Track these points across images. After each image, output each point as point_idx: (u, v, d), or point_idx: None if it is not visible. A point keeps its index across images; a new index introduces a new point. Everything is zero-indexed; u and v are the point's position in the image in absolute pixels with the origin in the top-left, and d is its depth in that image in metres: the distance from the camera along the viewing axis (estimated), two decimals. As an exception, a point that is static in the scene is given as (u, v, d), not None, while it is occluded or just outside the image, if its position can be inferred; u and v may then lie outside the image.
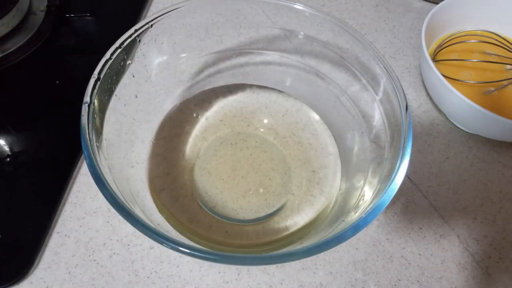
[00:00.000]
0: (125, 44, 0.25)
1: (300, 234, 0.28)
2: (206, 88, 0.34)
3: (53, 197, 0.29)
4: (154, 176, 0.29)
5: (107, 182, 0.20)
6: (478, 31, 0.39)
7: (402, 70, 0.40)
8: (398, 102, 0.25)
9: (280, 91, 0.34)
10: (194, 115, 0.33)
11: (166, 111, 0.32)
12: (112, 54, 0.25)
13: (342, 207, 0.27)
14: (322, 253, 0.28)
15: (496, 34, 0.38)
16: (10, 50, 0.34)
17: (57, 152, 0.32)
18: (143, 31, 0.26)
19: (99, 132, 0.23)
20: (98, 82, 0.23)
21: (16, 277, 0.26)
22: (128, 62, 0.27)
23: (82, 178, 0.31)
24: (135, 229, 0.19)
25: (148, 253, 0.28)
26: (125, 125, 0.27)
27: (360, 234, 0.29)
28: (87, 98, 0.22)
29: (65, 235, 0.28)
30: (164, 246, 0.19)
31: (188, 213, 0.28)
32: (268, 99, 0.34)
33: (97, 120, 0.23)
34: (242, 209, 0.29)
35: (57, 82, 0.37)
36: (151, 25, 0.27)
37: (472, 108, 0.30)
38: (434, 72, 0.32)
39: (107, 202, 0.19)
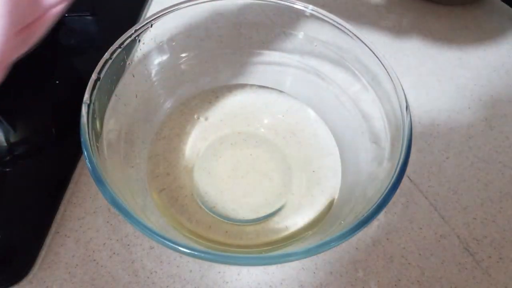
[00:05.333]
0: (125, 44, 0.25)
1: (300, 234, 0.28)
2: (206, 88, 0.34)
3: (53, 197, 0.29)
4: (154, 176, 0.29)
5: (107, 182, 0.20)
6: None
7: (402, 70, 0.40)
8: (398, 102, 0.25)
9: (280, 91, 0.34)
10: (195, 115, 0.33)
11: (166, 111, 0.32)
12: (112, 54, 0.25)
13: (341, 207, 0.27)
14: (322, 253, 0.28)
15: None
16: (10, 50, 0.34)
17: (57, 152, 0.32)
18: (143, 31, 0.26)
19: (99, 132, 0.23)
20: (98, 82, 0.23)
21: (16, 277, 0.26)
22: (128, 62, 0.27)
23: (82, 178, 0.31)
24: (135, 229, 0.19)
25: (148, 253, 0.28)
26: (125, 125, 0.27)
27: (360, 234, 0.29)
28: (87, 98, 0.22)
29: (65, 235, 0.28)
30: (164, 246, 0.19)
31: (188, 213, 0.28)
32: (268, 99, 0.34)
33: (97, 120, 0.23)
34: (242, 209, 0.29)
35: (57, 82, 0.37)
36: (151, 25, 0.27)
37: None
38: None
39: (107, 202, 0.20)
